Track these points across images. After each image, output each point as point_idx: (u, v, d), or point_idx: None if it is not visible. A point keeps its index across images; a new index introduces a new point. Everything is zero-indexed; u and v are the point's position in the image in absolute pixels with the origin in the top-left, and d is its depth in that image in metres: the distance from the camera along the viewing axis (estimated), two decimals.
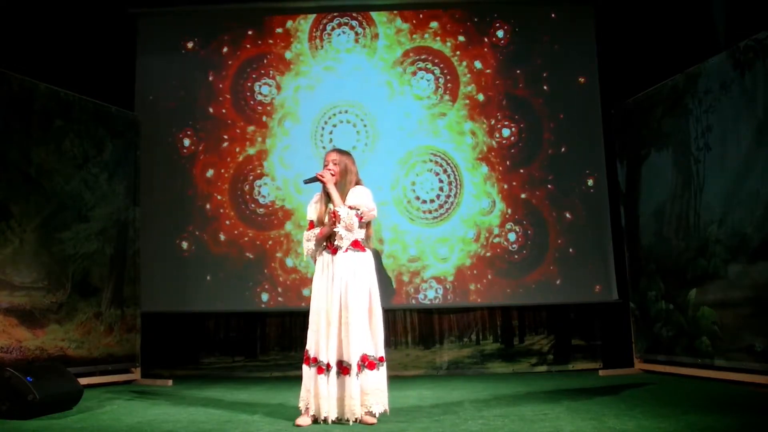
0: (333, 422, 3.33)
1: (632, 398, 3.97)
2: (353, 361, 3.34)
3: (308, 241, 3.56)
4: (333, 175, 3.55)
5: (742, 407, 3.56)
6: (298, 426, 3.33)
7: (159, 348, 5.88)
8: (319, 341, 3.40)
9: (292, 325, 5.99)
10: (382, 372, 3.43)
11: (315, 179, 3.57)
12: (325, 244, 3.54)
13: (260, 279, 5.88)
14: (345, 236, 3.44)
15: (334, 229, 3.45)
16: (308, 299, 5.88)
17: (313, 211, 3.62)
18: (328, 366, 3.35)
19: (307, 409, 3.40)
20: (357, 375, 3.33)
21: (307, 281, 5.83)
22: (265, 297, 5.87)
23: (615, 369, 5.48)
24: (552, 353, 5.93)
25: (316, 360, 3.39)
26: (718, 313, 4.58)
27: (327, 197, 3.56)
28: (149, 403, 4.20)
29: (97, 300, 5.09)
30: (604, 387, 4.55)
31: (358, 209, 3.48)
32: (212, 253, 5.93)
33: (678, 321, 4.97)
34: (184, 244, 5.95)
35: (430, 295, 5.84)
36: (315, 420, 3.39)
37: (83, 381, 4.37)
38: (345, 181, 3.56)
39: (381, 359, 3.45)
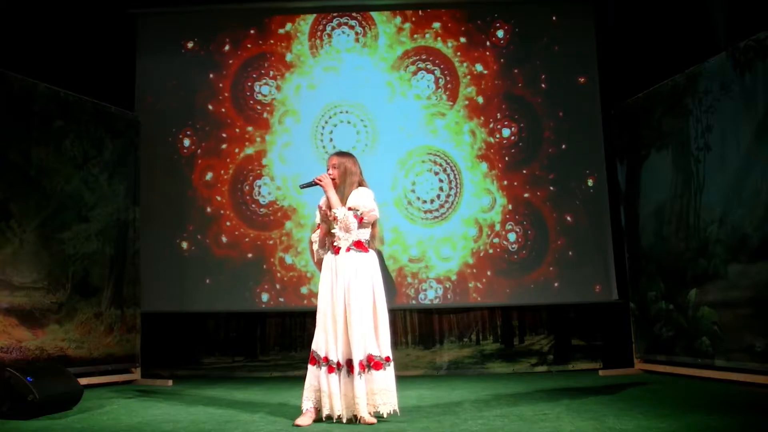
0: (345, 421, 3.34)
1: (632, 398, 3.97)
2: (356, 360, 3.36)
3: (313, 243, 3.67)
4: (333, 179, 3.59)
5: (742, 407, 3.56)
6: (298, 426, 3.33)
7: (159, 348, 5.87)
8: (328, 340, 3.44)
9: (292, 325, 5.99)
10: (389, 372, 3.43)
11: (312, 184, 3.62)
12: (328, 244, 3.59)
13: (260, 279, 5.88)
14: (342, 237, 3.51)
15: (332, 231, 3.52)
16: (309, 298, 5.92)
17: (318, 214, 3.69)
18: (338, 365, 3.40)
19: (315, 409, 3.41)
20: (360, 374, 3.34)
21: (308, 280, 5.84)
22: (265, 297, 5.87)
23: (615, 369, 5.49)
24: (552, 353, 5.93)
25: (327, 359, 3.42)
26: (718, 313, 4.58)
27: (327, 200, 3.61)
28: (149, 403, 4.20)
29: (97, 300, 5.10)
30: (604, 387, 4.55)
31: (357, 210, 3.51)
32: (212, 253, 5.93)
33: (678, 321, 4.96)
34: (184, 244, 5.95)
35: (431, 295, 5.84)
36: (319, 419, 3.40)
37: (83, 381, 4.38)
38: (346, 183, 3.58)
39: (387, 359, 3.44)
